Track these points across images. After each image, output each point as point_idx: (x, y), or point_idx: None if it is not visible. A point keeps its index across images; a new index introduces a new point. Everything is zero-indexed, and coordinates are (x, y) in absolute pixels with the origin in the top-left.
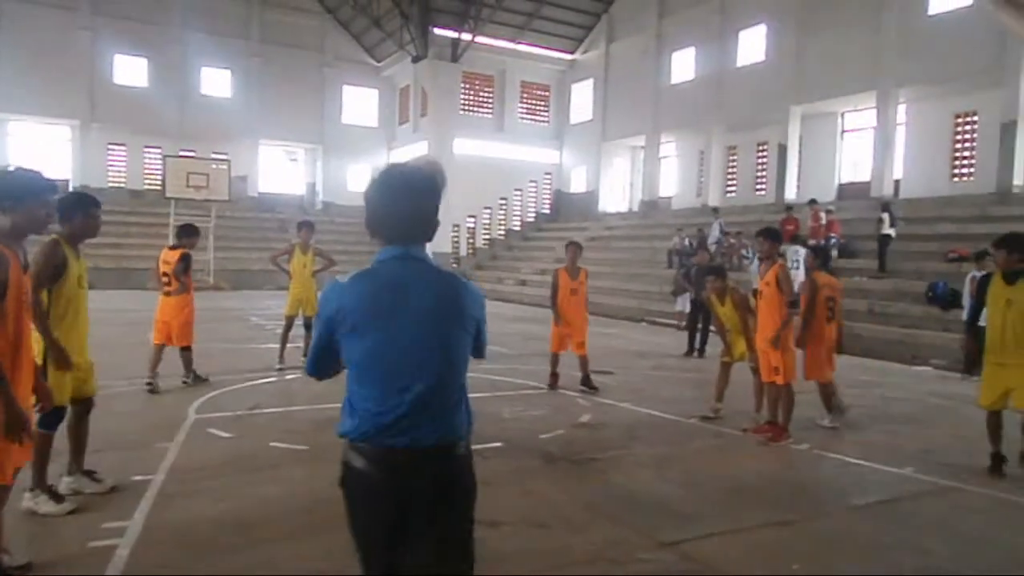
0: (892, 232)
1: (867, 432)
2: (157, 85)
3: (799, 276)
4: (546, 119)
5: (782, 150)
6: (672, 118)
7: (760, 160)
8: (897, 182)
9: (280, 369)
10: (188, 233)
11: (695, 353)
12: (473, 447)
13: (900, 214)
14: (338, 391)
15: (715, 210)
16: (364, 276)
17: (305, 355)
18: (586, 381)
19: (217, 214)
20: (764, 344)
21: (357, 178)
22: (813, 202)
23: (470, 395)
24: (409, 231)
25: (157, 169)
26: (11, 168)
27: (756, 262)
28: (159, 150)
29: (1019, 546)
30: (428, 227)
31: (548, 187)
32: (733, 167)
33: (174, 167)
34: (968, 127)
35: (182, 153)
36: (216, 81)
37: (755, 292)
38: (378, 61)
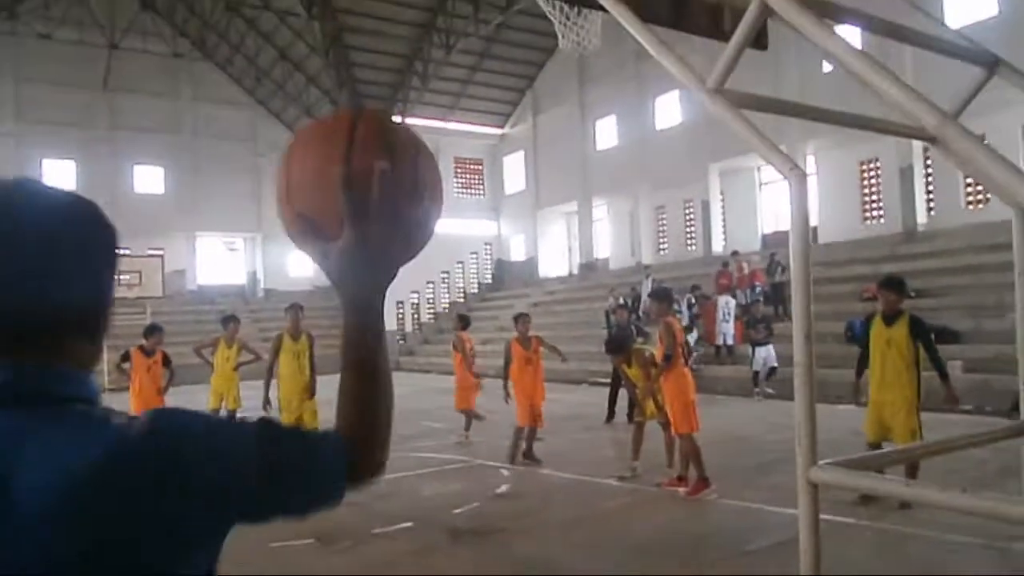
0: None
1: (775, 475)
2: (87, 187)
3: (729, 328)
4: (482, 192)
5: (705, 206)
6: (601, 182)
7: (687, 216)
8: (814, 228)
9: None
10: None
11: (613, 418)
12: (382, 529)
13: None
14: None
15: (646, 267)
16: None
17: None
18: (529, 453)
19: (153, 311)
20: (668, 398)
21: (299, 264)
22: (735, 254)
23: (393, 475)
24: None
25: None
26: None
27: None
28: None
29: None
30: (53, 312)
31: (488, 257)
32: (663, 225)
33: None
34: (873, 172)
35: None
36: (148, 178)
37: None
38: None
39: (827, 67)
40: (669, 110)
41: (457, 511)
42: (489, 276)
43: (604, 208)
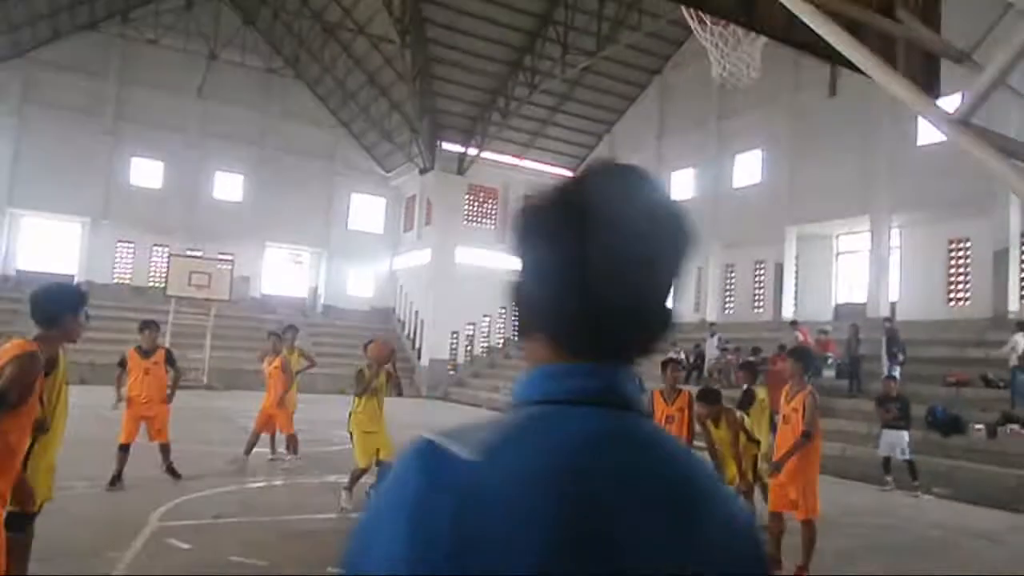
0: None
1: (863, 566)
2: (171, 187)
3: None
4: None
5: (779, 269)
6: None
7: (757, 278)
8: (893, 304)
9: (272, 459)
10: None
11: None
12: None
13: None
14: (305, 504)
15: (712, 325)
16: (512, 455)
17: (288, 448)
18: None
19: (216, 313)
20: (786, 476)
21: (358, 282)
22: (794, 324)
23: None
24: (632, 327)
25: (163, 267)
26: (50, 284)
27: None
28: (167, 248)
29: None
30: (664, 320)
31: None
32: (731, 284)
33: (178, 266)
34: (962, 253)
35: (189, 252)
36: (228, 185)
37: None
38: (386, 171)
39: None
40: (749, 169)
41: None
42: None
43: None
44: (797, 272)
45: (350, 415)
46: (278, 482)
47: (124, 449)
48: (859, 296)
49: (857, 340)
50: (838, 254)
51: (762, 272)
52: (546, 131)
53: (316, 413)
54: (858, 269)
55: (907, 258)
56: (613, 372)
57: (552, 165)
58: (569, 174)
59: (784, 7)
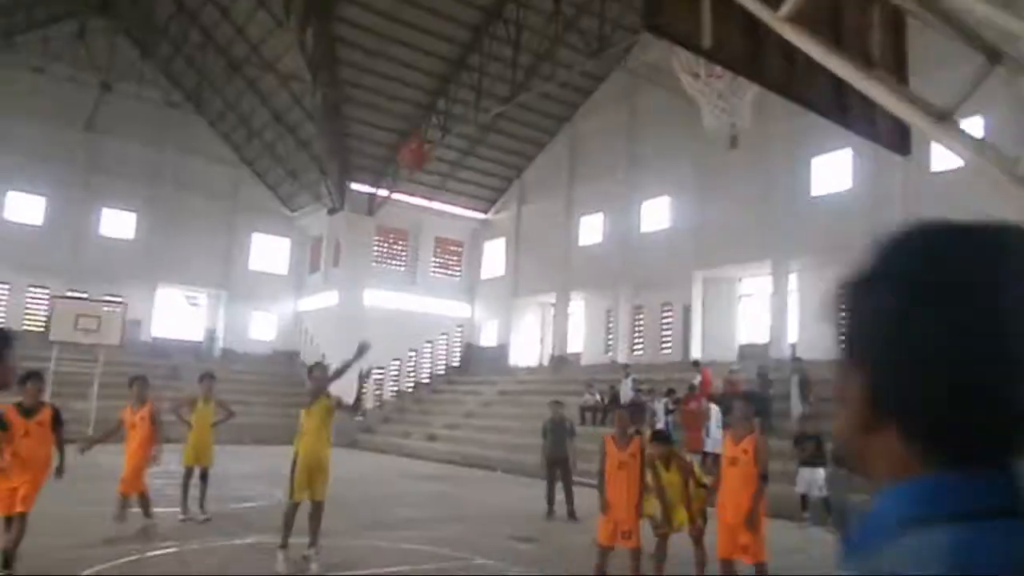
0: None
1: None
2: (53, 224)
3: (720, 436)
4: (459, 273)
5: (686, 311)
6: (581, 277)
7: (664, 319)
8: (793, 345)
9: (183, 520)
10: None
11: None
12: None
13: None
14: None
15: (626, 367)
16: None
17: (202, 506)
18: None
19: (106, 359)
20: (736, 520)
21: (261, 325)
22: (696, 364)
23: (366, 571)
24: None
25: (42, 309)
26: None
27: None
28: (47, 290)
29: None
30: None
31: (459, 340)
32: (640, 325)
33: (62, 309)
34: None
35: (70, 294)
36: (118, 222)
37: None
38: (292, 211)
39: None
40: (657, 214)
41: None
42: (457, 359)
43: (582, 303)
44: (703, 314)
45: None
46: (194, 545)
47: (7, 521)
48: (762, 337)
49: (767, 380)
50: (741, 297)
51: (669, 314)
52: (457, 174)
53: (222, 465)
54: (761, 311)
55: (806, 300)
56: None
57: (464, 208)
58: (481, 216)
59: (787, 61)
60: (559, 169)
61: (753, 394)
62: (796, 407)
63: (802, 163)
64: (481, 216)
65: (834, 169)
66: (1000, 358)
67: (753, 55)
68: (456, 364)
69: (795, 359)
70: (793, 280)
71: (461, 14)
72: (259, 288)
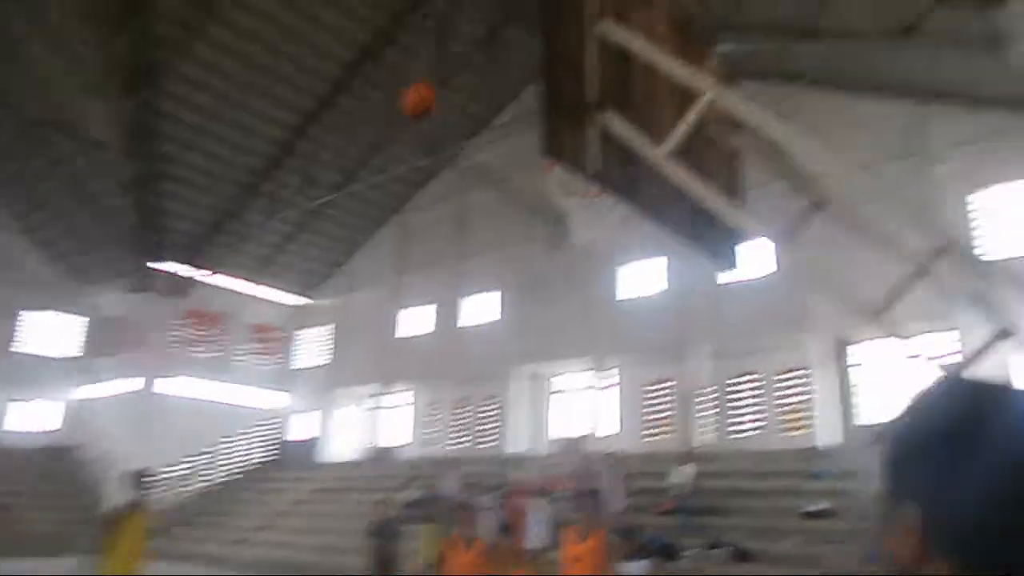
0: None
1: None
2: None
3: (543, 531)
4: (277, 361)
5: (505, 404)
6: (405, 369)
7: (482, 413)
8: (607, 438)
9: None
10: None
11: None
12: None
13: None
14: None
15: (451, 460)
16: None
17: None
18: None
19: None
20: None
21: (29, 415)
22: (516, 458)
23: None
24: None
25: None
26: None
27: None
28: None
29: None
30: None
31: (274, 432)
32: (462, 419)
33: None
34: (662, 393)
35: None
36: None
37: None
38: (84, 286)
39: None
40: (485, 309)
41: None
42: (273, 453)
43: (406, 395)
44: (527, 407)
45: None
46: None
47: None
48: (579, 431)
49: (588, 475)
50: (560, 392)
51: (493, 407)
52: (279, 258)
53: None
54: (579, 406)
55: (623, 395)
56: None
57: (283, 292)
58: (302, 301)
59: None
60: (387, 258)
61: (596, 490)
62: (617, 501)
63: (611, 270)
64: (302, 302)
65: (644, 275)
66: None
67: (629, 182)
68: (269, 458)
69: (608, 454)
70: (610, 376)
71: (296, 100)
72: (29, 373)
